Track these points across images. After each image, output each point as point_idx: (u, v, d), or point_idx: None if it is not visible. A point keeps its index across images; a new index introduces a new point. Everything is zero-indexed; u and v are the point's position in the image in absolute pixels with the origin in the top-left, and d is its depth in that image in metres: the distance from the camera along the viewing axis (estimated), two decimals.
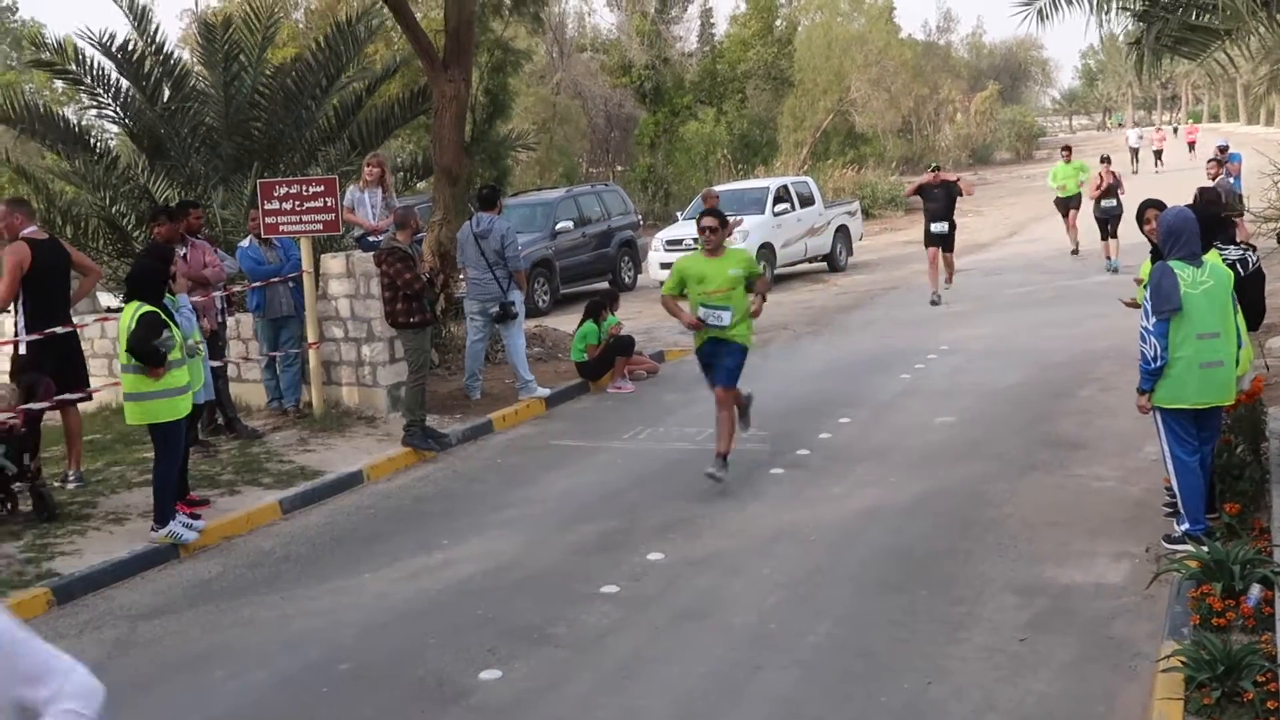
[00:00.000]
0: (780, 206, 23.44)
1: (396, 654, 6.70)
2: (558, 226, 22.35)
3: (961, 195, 19.15)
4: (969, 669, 5.99)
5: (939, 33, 70.53)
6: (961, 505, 8.62)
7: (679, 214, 26.61)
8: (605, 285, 21.81)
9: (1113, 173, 20.54)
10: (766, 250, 22.51)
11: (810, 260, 24.62)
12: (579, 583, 7.56)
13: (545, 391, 13.14)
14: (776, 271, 22.99)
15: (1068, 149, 23.38)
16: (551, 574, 7.81)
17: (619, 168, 47.58)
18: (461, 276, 13.71)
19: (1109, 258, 20.21)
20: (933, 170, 19.39)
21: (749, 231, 22.08)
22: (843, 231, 25.43)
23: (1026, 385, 12.42)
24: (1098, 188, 20.44)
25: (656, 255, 22.94)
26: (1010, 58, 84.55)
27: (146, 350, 8.41)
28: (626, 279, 23.83)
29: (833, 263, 24.98)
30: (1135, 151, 50.25)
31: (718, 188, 25.52)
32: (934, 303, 18.24)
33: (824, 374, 13.87)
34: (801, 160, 41.89)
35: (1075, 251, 22.62)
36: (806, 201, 24.41)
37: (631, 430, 11.68)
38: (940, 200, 18.72)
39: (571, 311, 19.02)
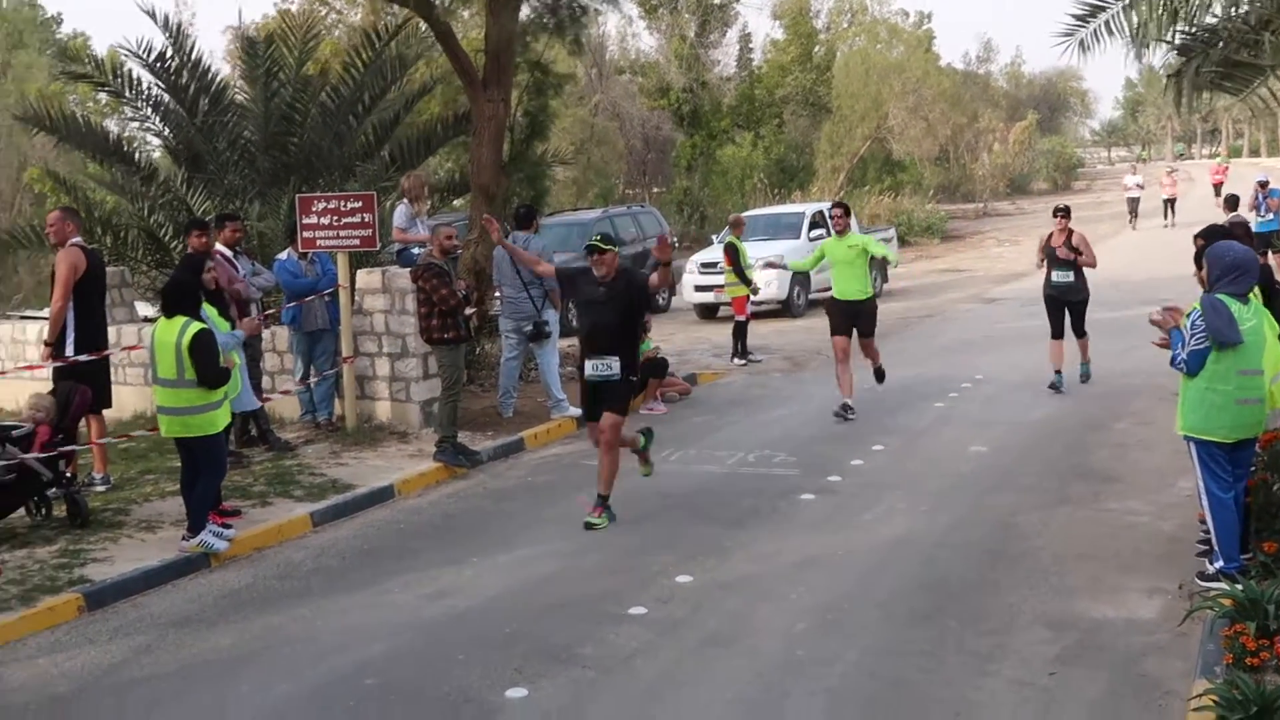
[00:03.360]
0: (816, 232, 23.41)
1: (423, 670, 6.71)
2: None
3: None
4: (998, 702, 5.95)
5: (979, 62, 70.35)
6: (993, 536, 8.57)
7: (714, 237, 26.64)
8: None
9: (1068, 230, 13.60)
10: (801, 276, 22.45)
11: None
12: (607, 603, 7.55)
13: (577, 411, 13.12)
14: (811, 297, 22.98)
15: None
16: (580, 594, 7.80)
17: (655, 190, 47.66)
18: (496, 294, 13.74)
19: (1084, 361, 14.04)
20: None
21: (783, 255, 22.05)
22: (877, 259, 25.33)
23: (1061, 417, 12.35)
24: (1042, 250, 13.82)
25: (691, 278, 22.94)
26: (1050, 88, 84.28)
27: (219, 374, 8.55)
28: (661, 301, 23.82)
29: None
30: (1134, 204, 38.55)
31: (753, 212, 25.57)
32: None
33: (857, 401, 13.78)
34: (838, 186, 41.86)
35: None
36: None
37: (662, 452, 11.64)
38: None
39: None
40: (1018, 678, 6.20)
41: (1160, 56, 14.27)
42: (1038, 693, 6.02)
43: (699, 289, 22.58)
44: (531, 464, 11.62)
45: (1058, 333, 13.73)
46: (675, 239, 26.35)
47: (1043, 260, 13.80)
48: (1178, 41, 12.46)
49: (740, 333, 17.15)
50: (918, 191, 46.39)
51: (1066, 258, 13.50)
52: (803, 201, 32.71)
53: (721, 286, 19.16)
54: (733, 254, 17.38)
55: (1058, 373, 13.58)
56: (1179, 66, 12.66)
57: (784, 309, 22.22)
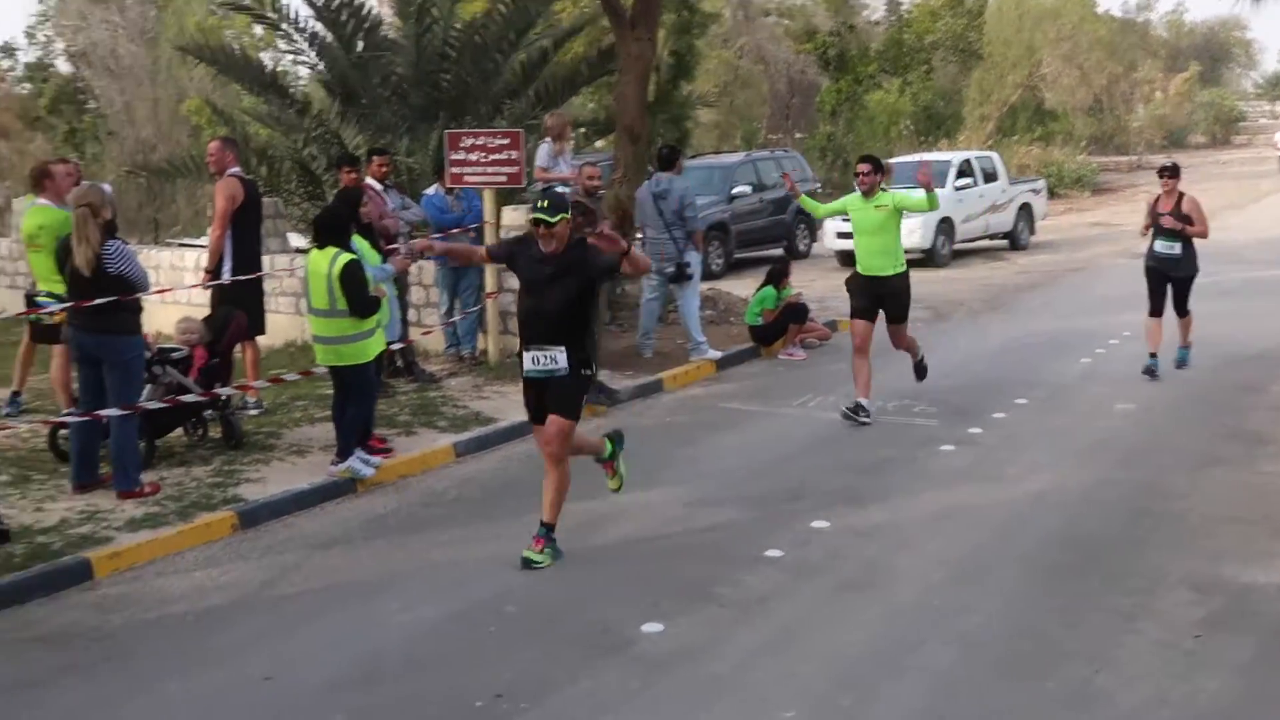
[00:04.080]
0: (962, 181, 23.00)
1: (561, 600, 6.83)
2: (735, 191, 22.28)
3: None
4: (1139, 661, 5.85)
5: (1138, 10, 67.87)
6: (1138, 495, 8.39)
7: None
8: (779, 252, 21.65)
9: (1178, 194, 11.90)
10: (945, 225, 22.12)
11: (990, 237, 24.13)
12: (742, 545, 7.59)
13: (716, 354, 13.17)
14: (955, 247, 22.60)
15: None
16: (716, 535, 7.86)
17: (798, 135, 47.14)
18: (639, 235, 13.80)
19: (1183, 345, 12.47)
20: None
21: None
22: (1026, 210, 24.84)
23: (1213, 377, 11.99)
24: (1149, 215, 12.23)
25: (833, 224, 22.68)
26: (1211, 38, 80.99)
27: (369, 303, 8.74)
28: (801, 247, 23.65)
29: (1014, 241, 24.46)
30: None
31: (899, 159, 25.16)
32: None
33: (1001, 353, 13.61)
34: (986, 135, 40.92)
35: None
36: (990, 177, 23.90)
37: (801, 397, 11.64)
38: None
39: (745, 276, 19.01)
40: (1161, 639, 6.08)
41: None
42: (1181, 655, 5.90)
43: (840, 235, 22.30)
44: (669, 405, 11.69)
45: (1156, 309, 12.11)
46: (819, 184, 26.09)
47: (1149, 227, 12.14)
48: None
49: None
50: (1069, 142, 45.10)
51: (1173, 227, 11.75)
52: (950, 150, 32.08)
53: None
54: None
55: (1152, 356, 11.97)
56: None
57: (927, 258, 21.87)
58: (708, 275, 15.95)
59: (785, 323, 13.90)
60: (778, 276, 14.27)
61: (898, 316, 10.92)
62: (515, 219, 12.69)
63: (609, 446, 8.09)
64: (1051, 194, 31.99)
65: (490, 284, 12.48)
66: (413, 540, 7.95)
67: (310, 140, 16.17)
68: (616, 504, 8.41)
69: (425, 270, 13.24)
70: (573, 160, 13.90)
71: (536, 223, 7.23)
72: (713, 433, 10.42)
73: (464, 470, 9.61)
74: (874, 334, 10.90)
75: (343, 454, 9.01)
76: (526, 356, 7.39)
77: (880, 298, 10.78)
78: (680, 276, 12.96)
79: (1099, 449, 9.60)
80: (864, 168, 10.75)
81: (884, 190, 10.71)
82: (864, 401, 10.57)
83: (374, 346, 9.05)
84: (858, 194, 10.77)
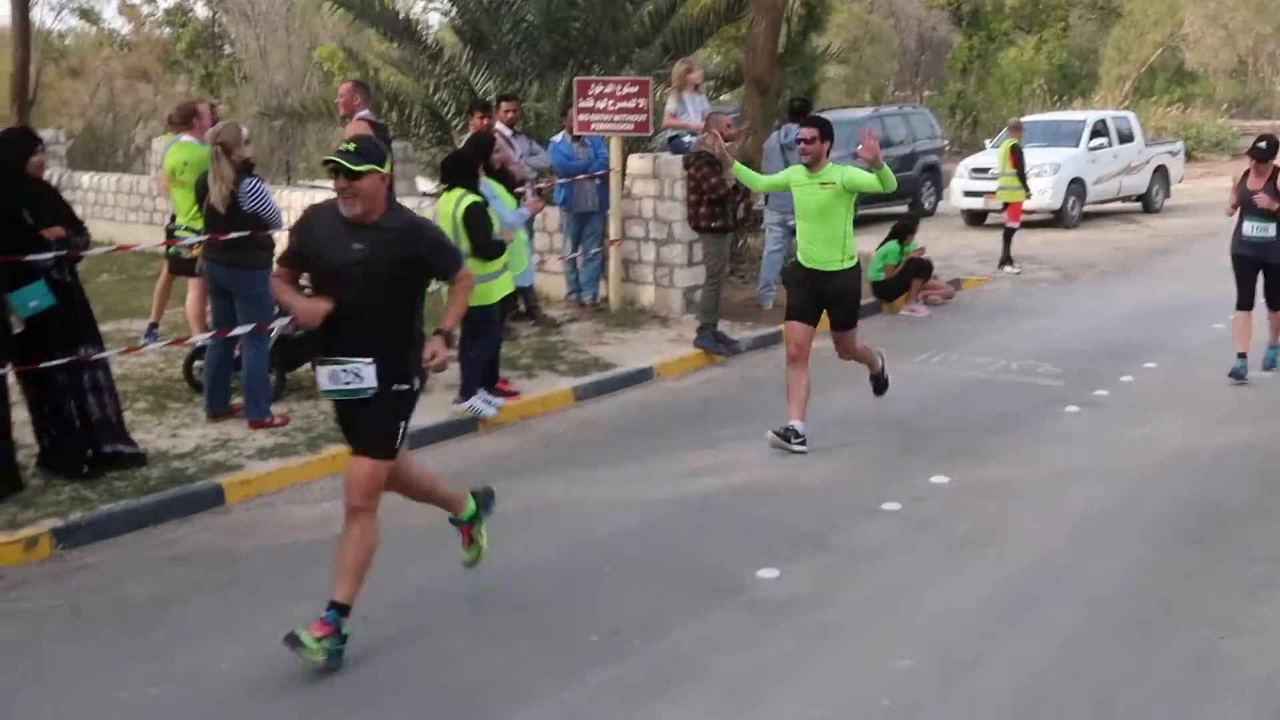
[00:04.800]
0: (1096, 141, 22.44)
1: (677, 543, 6.88)
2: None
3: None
4: (1268, 629, 5.71)
5: None
6: (1271, 463, 8.18)
7: (987, 142, 25.85)
8: (905, 208, 21.36)
9: (1271, 170, 10.20)
10: (1077, 185, 21.63)
11: (1123, 199, 23.53)
12: (860, 497, 7.56)
13: None
14: (1086, 208, 22.09)
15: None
16: (832, 486, 7.83)
17: (926, 92, 46.37)
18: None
19: (1274, 344, 10.86)
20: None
21: (1060, 164, 21.26)
22: (1161, 172, 24.18)
23: None
24: (1235, 194, 10.49)
25: (960, 182, 22.34)
26: None
27: (493, 245, 8.84)
28: (927, 204, 23.31)
29: (1147, 204, 23.85)
30: None
31: (1031, 117, 24.65)
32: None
33: (1131, 316, 13.31)
34: (1123, 96, 39.85)
35: None
36: (1125, 138, 23.28)
37: (923, 354, 11.52)
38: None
39: (868, 232, 18.79)
40: None
41: None
42: None
43: (968, 194, 21.96)
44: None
45: (1245, 302, 10.47)
46: (947, 143, 25.68)
47: (1236, 206, 10.47)
48: None
49: (1009, 238, 16.65)
50: (1209, 105, 43.73)
51: (1268, 207, 10.06)
52: (1084, 109, 31.29)
53: (992, 193, 18.63)
54: (1018, 156, 16.85)
55: (1241, 357, 10.31)
56: None
57: (1056, 219, 21.43)
58: None
59: (908, 279, 13.76)
60: (903, 232, 14.12)
61: (843, 321, 8.93)
62: (641, 167, 12.73)
63: (470, 507, 6.24)
64: (1189, 157, 31.04)
65: (613, 231, 12.54)
66: (531, 480, 8.05)
67: (440, 86, 16.34)
68: (732, 452, 8.44)
69: (549, 216, 13.32)
70: (705, 108, 13.82)
71: (335, 170, 5.29)
72: (831, 386, 10.34)
73: (583, 413, 9.70)
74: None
75: (465, 393, 9.16)
76: (322, 371, 5.44)
77: (822, 296, 8.73)
78: None
79: (1228, 416, 9.36)
80: (808, 133, 8.57)
81: (833, 165, 8.60)
82: (798, 425, 8.53)
83: (499, 289, 9.16)
84: (799, 168, 8.78)
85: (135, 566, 6.65)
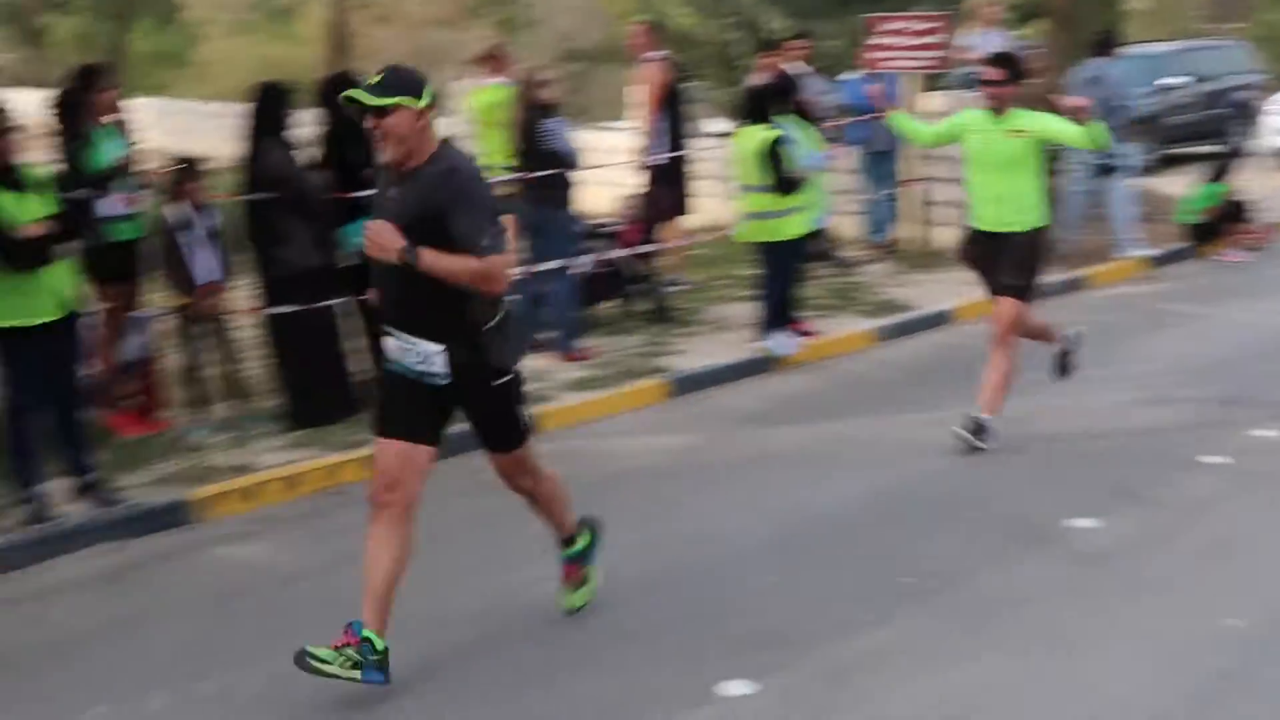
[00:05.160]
0: None
1: (982, 489, 6.76)
2: (1166, 82, 20.82)
3: None
4: None
5: None
6: None
7: None
8: (1218, 148, 20.15)
9: None
10: None
11: None
12: (1178, 449, 7.23)
13: (1146, 251, 12.52)
14: None
15: None
16: (1149, 436, 7.53)
17: (1226, 25, 43.48)
18: None
19: None
20: None
21: None
22: None
23: None
24: None
25: (1274, 120, 20.91)
26: None
27: (789, 181, 8.87)
28: (1239, 144, 21.91)
29: None
30: None
31: None
32: None
33: None
34: None
35: None
36: None
37: (1243, 300, 10.91)
38: None
39: (1175, 173, 17.85)
40: None
41: None
42: None
43: None
44: (1096, 302, 11.21)
45: None
46: (1262, 78, 24.07)
47: None
48: None
49: None
50: None
51: None
52: None
53: None
54: None
55: None
56: None
57: None
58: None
59: (1224, 222, 13.03)
60: (1222, 172, 13.37)
61: (1011, 285, 7.38)
62: (938, 105, 12.43)
63: (586, 537, 5.38)
64: None
65: (909, 172, 12.33)
66: (830, 420, 8.07)
67: (730, 27, 16.36)
68: (1045, 401, 8.15)
69: (842, 158, 13.17)
70: (1002, 44, 13.37)
71: (360, 110, 4.45)
72: (1145, 333, 9.95)
73: (882, 354, 9.65)
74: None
75: (765, 331, 9.22)
76: (389, 341, 4.75)
77: (997, 254, 7.37)
78: (1109, 169, 12.35)
79: None
80: (994, 73, 7.22)
81: (1021, 110, 7.25)
82: (980, 416, 7.32)
83: (792, 226, 9.13)
84: (981, 111, 7.42)
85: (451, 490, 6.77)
